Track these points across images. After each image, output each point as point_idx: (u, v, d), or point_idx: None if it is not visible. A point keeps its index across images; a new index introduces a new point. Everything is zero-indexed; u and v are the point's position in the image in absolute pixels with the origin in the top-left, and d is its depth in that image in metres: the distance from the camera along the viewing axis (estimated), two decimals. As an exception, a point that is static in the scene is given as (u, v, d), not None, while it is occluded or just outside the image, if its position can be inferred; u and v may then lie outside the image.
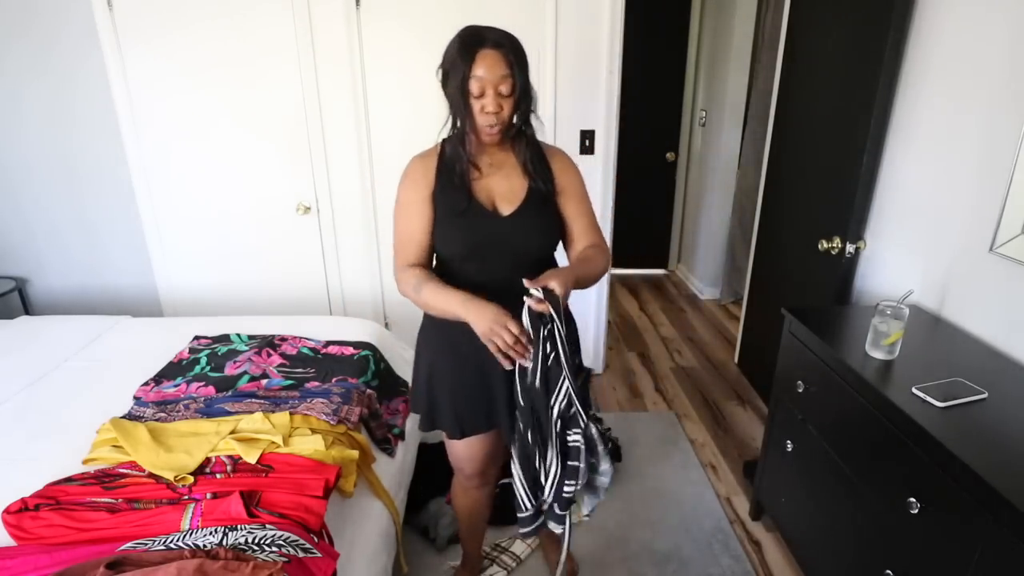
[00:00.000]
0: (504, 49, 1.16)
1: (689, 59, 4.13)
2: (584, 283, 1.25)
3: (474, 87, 1.16)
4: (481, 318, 1.15)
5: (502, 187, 1.29)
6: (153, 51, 2.46)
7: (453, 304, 1.20)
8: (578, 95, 2.57)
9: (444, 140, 1.30)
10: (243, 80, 2.51)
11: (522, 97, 1.21)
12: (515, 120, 1.24)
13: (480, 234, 1.26)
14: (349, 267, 2.82)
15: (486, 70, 1.15)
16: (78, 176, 2.66)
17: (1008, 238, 1.42)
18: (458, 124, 1.24)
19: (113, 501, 1.23)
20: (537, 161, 1.31)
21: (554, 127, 2.59)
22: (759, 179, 2.84)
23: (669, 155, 4.35)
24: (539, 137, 1.35)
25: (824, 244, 2.01)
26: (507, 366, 1.18)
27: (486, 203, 1.28)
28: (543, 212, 1.31)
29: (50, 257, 2.82)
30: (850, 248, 1.94)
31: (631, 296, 4.23)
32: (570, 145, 2.62)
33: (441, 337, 1.36)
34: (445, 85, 1.21)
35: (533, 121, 1.30)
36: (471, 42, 1.16)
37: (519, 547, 1.89)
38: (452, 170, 1.27)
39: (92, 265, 2.83)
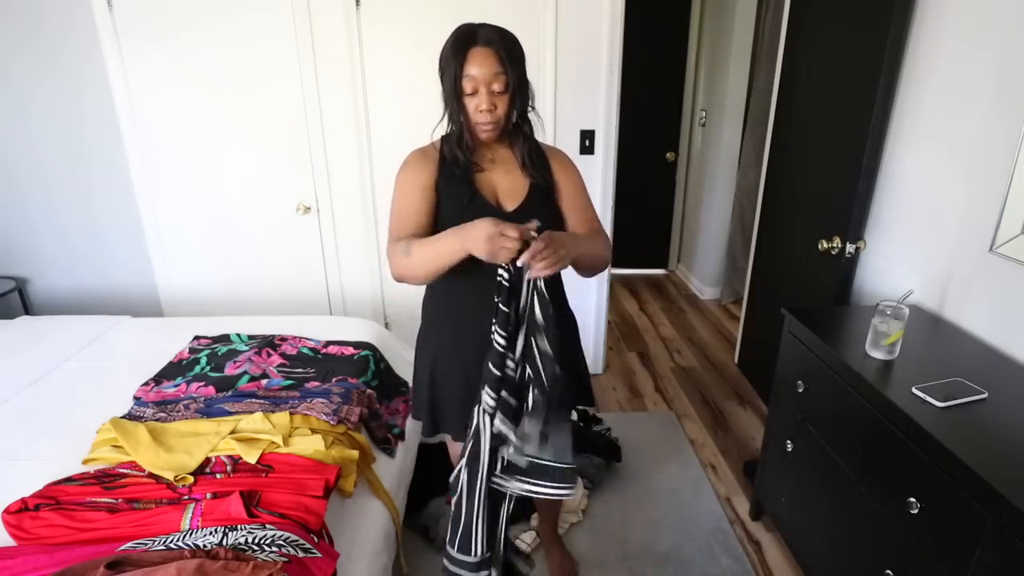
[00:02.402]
0: (496, 46, 1.16)
1: (689, 59, 4.12)
2: (585, 260, 1.24)
3: (467, 86, 1.17)
4: (478, 237, 1.08)
5: (504, 182, 1.30)
6: (153, 52, 2.46)
7: (445, 242, 1.15)
8: (578, 95, 2.56)
9: (443, 138, 1.30)
10: (243, 81, 2.51)
11: (517, 93, 1.20)
12: (512, 117, 1.24)
13: None
14: (349, 267, 2.82)
15: (478, 68, 1.15)
16: (80, 177, 2.66)
17: (1008, 238, 1.42)
18: (454, 123, 1.24)
19: (113, 501, 1.23)
20: (536, 157, 1.31)
21: (554, 127, 2.59)
22: (759, 179, 2.84)
23: (669, 155, 4.35)
24: (538, 135, 1.34)
25: (824, 244, 2.01)
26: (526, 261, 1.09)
27: (490, 198, 1.28)
28: (546, 207, 1.31)
29: (51, 257, 2.82)
30: (850, 248, 1.94)
31: (631, 296, 4.23)
32: (570, 145, 2.62)
33: (441, 339, 1.36)
34: (443, 84, 1.22)
35: (531, 117, 1.29)
36: (463, 41, 1.16)
37: (520, 547, 1.89)
38: (454, 165, 1.27)
39: (93, 265, 2.82)
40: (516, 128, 1.28)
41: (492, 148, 1.31)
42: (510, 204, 1.28)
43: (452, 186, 1.27)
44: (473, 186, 1.27)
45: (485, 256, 1.09)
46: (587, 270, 1.30)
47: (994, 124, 1.47)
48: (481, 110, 1.19)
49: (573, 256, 1.15)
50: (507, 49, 1.17)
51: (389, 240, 1.31)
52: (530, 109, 1.28)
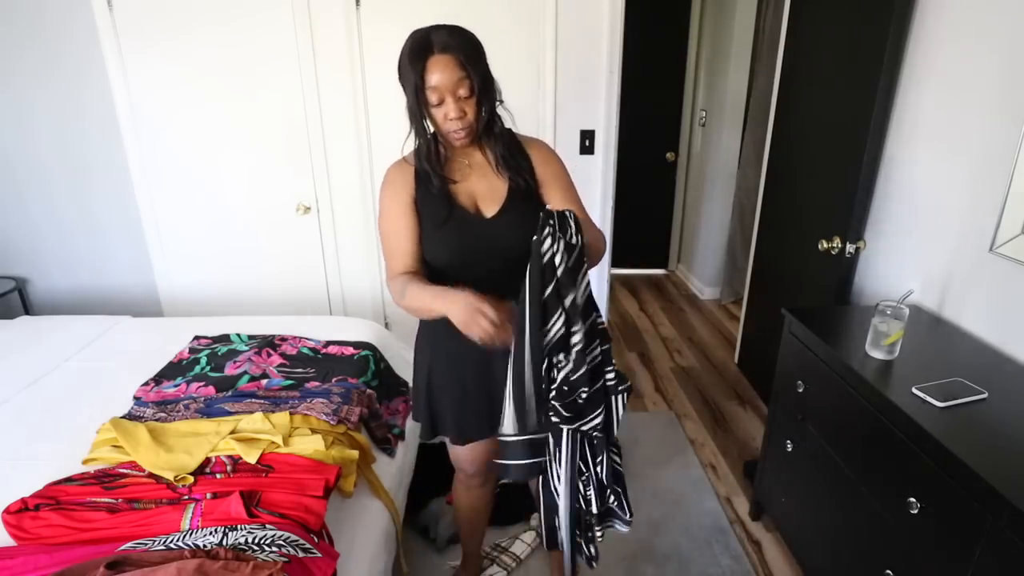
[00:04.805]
0: (453, 51, 1.10)
1: (689, 59, 4.12)
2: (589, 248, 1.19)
3: (431, 96, 1.12)
4: (455, 307, 1.09)
5: (482, 187, 1.26)
6: (154, 52, 2.46)
7: (427, 300, 1.15)
8: (578, 95, 2.57)
9: (414, 152, 1.26)
10: (243, 81, 2.51)
11: (484, 94, 1.16)
12: (483, 116, 1.19)
13: (465, 238, 1.23)
14: (349, 267, 2.83)
15: (439, 76, 1.10)
16: (80, 177, 2.66)
17: (1008, 238, 1.42)
18: (420, 137, 1.20)
19: (113, 501, 1.23)
20: (511, 156, 1.26)
21: (554, 127, 2.59)
22: (759, 179, 2.84)
23: (669, 155, 4.35)
24: (525, 131, 1.31)
25: (824, 244, 2.01)
26: (497, 343, 1.08)
27: (468, 206, 1.24)
28: (527, 210, 1.25)
29: (51, 257, 2.82)
30: (850, 248, 1.94)
31: (631, 296, 4.23)
32: (570, 145, 2.61)
33: (436, 345, 1.35)
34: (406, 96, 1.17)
35: (501, 111, 1.24)
36: (419, 50, 1.10)
37: (519, 547, 1.89)
38: (428, 180, 1.24)
39: (93, 265, 2.83)
40: (487, 128, 1.23)
41: (467, 153, 1.27)
42: (490, 210, 1.25)
43: (429, 203, 1.24)
44: (449, 201, 1.23)
45: (460, 327, 1.09)
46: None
47: (994, 124, 1.47)
48: (451, 119, 1.14)
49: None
50: (466, 52, 1.12)
51: (387, 270, 1.29)
52: (499, 103, 1.23)
